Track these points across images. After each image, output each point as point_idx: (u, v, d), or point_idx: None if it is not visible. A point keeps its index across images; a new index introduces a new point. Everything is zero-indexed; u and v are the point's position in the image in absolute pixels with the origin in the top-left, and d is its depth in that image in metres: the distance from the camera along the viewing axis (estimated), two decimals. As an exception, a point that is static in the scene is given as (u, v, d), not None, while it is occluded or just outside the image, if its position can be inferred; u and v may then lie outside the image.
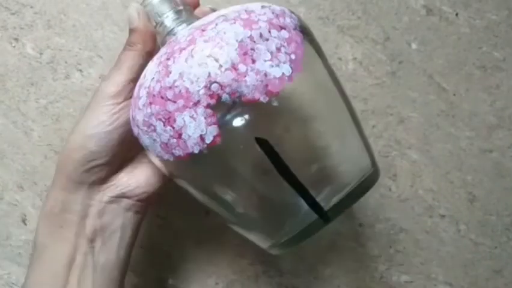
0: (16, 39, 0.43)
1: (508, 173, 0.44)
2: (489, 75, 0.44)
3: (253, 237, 0.32)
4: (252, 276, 0.44)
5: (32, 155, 0.43)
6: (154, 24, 0.33)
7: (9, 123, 0.43)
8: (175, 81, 0.27)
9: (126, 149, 0.33)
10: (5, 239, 0.43)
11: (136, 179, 0.34)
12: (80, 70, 0.43)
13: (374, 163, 0.31)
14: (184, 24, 0.32)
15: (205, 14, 0.34)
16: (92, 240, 0.33)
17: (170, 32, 0.32)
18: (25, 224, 0.43)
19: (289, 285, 0.44)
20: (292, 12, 0.31)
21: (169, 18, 0.32)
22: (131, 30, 0.32)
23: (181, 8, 0.33)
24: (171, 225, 0.43)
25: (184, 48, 0.27)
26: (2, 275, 0.43)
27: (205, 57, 0.26)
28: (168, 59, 0.27)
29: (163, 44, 0.33)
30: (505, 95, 0.44)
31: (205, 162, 0.28)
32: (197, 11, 0.34)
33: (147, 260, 0.43)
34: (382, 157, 0.43)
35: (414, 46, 0.43)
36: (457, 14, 0.43)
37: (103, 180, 0.33)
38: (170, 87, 0.27)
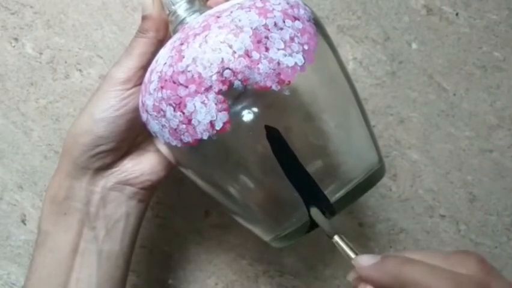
0: (16, 39, 0.42)
1: (508, 173, 0.44)
2: (489, 75, 0.44)
3: (256, 229, 0.32)
4: (252, 277, 0.44)
5: (31, 155, 0.43)
6: (167, 12, 0.33)
7: (9, 123, 0.43)
8: (187, 65, 0.27)
9: (132, 136, 0.33)
10: (4, 239, 0.43)
11: (141, 166, 0.34)
12: (80, 70, 0.43)
13: (380, 159, 0.32)
14: (197, 14, 0.32)
15: (218, 5, 0.34)
16: (95, 229, 0.33)
17: (183, 21, 0.32)
18: (25, 224, 0.43)
19: (289, 285, 0.44)
20: (306, 5, 0.31)
21: (182, 7, 0.32)
22: (144, 17, 0.32)
23: None
24: (171, 225, 0.43)
25: (198, 34, 0.27)
26: (1, 275, 0.43)
27: (219, 43, 0.26)
28: (182, 44, 0.27)
29: (175, 33, 0.33)
30: (505, 95, 0.44)
31: (213, 149, 0.28)
32: (210, 2, 0.34)
33: (147, 260, 0.43)
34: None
35: (414, 46, 0.43)
36: (457, 14, 0.43)
37: (108, 166, 0.33)
38: (182, 72, 0.27)
